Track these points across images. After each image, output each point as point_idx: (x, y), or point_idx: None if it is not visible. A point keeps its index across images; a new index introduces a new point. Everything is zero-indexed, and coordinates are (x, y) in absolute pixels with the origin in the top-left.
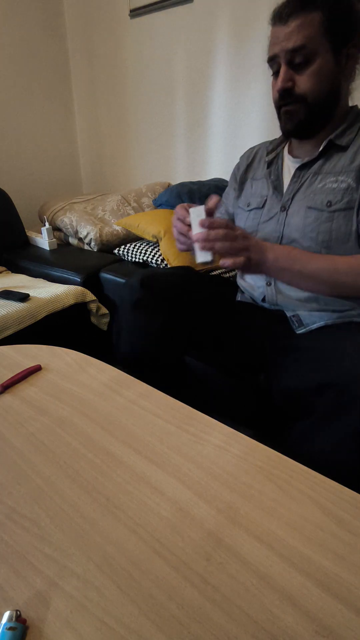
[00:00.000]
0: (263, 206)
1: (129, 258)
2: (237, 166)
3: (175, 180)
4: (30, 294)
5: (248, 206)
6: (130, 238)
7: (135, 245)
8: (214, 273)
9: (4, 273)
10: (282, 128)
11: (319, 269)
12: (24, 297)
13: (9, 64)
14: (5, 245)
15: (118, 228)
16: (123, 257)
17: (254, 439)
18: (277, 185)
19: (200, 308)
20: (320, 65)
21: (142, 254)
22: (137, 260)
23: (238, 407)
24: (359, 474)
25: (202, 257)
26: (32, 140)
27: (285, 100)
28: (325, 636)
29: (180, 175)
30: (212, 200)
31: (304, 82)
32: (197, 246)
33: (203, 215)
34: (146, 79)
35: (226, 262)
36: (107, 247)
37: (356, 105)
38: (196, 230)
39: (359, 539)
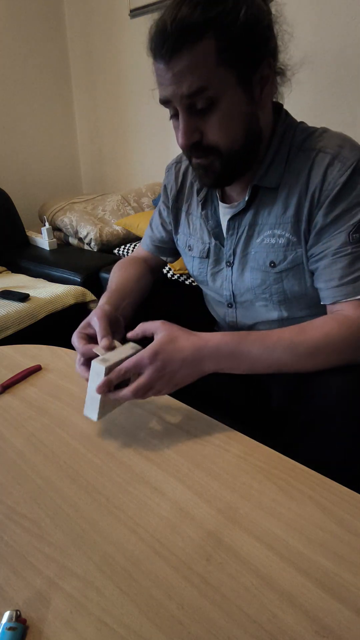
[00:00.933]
0: (208, 256)
1: None
2: (167, 182)
3: None
4: (30, 294)
5: (189, 250)
6: (130, 238)
7: (135, 245)
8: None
9: (4, 273)
10: (200, 182)
11: (274, 361)
12: (24, 297)
13: (9, 64)
14: (5, 245)
15: (118, 228)
16: (123, 257)
17: (254, 439)
18: (217, 234)
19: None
20: (229, 105)
21: None
22: None
23: (238, 407)
24: (357, 474)
25: (90, 413)
26: (32, 141)
27: (194, 153)
28: (325, 636)
29: None
30: (103, 343)
31: (212, 132)
32: (89, 402)
33: (102, 375)
34: (146, 79)
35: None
36: (107, 247)
37: (282, 110)
38: (93, 387)
39: (359, 539)
